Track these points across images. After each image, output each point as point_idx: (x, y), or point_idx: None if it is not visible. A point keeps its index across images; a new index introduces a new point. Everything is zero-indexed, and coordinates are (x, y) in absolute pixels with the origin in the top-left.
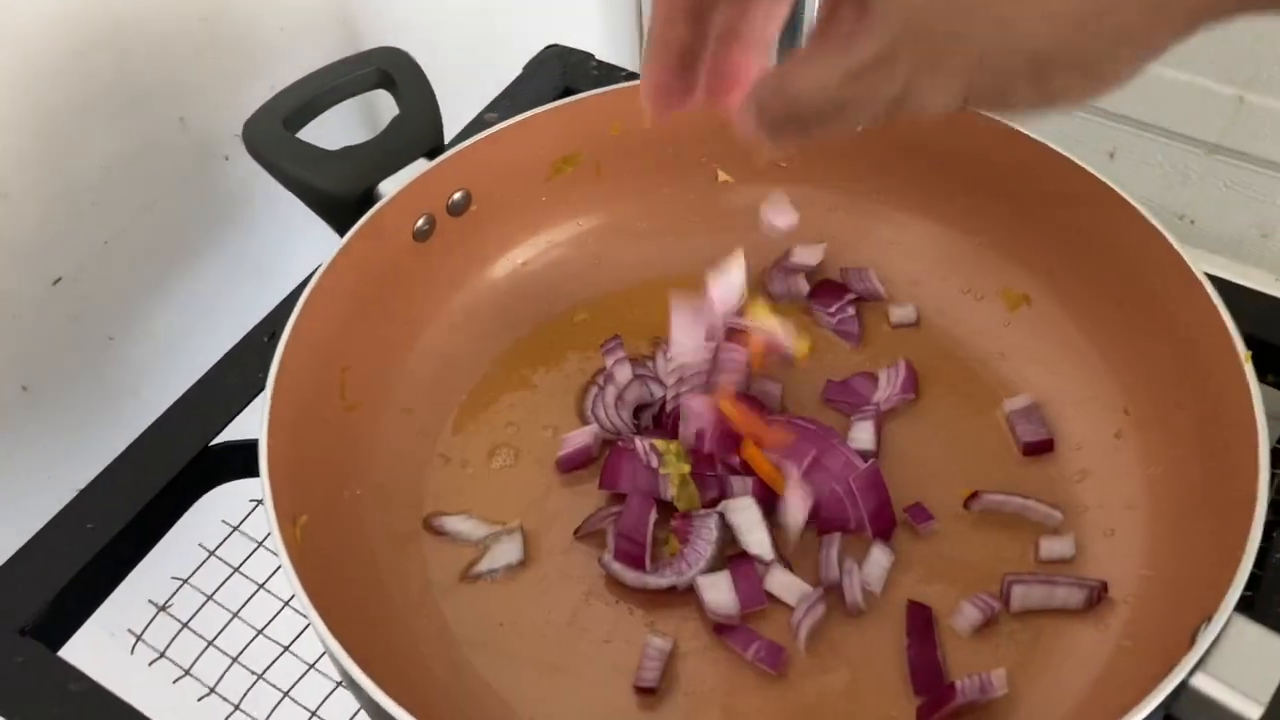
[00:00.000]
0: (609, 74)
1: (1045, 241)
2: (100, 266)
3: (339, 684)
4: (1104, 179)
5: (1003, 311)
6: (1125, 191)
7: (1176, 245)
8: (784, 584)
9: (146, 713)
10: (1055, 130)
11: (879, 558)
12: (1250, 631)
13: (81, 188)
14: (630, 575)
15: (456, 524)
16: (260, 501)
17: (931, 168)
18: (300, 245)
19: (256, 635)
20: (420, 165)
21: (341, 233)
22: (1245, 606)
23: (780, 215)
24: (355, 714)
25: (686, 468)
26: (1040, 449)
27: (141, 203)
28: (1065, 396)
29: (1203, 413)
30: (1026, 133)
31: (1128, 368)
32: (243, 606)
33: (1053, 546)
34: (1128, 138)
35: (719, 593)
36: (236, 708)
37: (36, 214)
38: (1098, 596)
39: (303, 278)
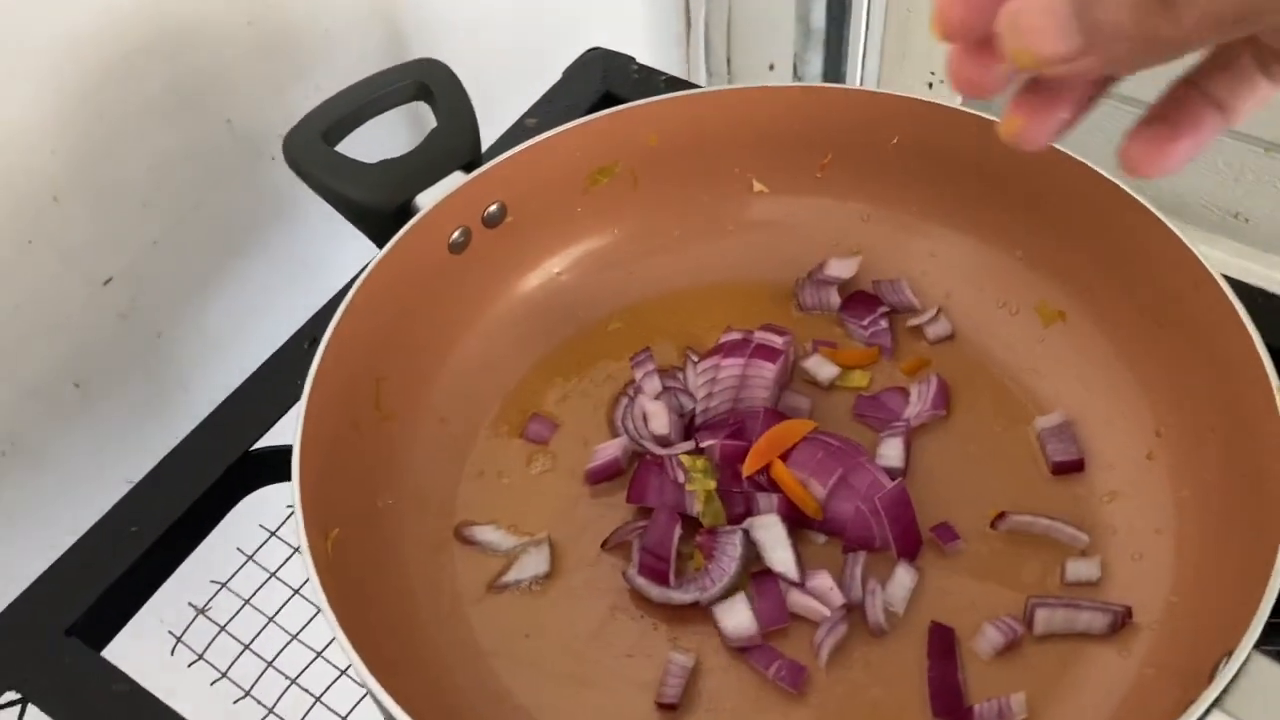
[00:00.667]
0: (649, 78)
1: (1082, 257)
2: (150, 266)
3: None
4: (1141, 199)
5: (1038, 327)
6: (1177, 189)
7: (1211, 268)
8: (806, 603)
9: (185, 713)
10: (1105, 129)
11: (903, 578)
12: (1271, 670)
13: (131, 189)
14: (654, 590)
15: (486, 534)
16: None
17: (967, 180)
18: (347, 244)
19: (291, 640)
20: (456, 178)
21: (379, 244)
22: (1273, 633)
23: (842, 266)
24: None
25: (713, 483)
26: (1070, 469)
27: (190, 203)
28: (1098, 415)
29: (1234, 438)
30: (1064, 150)
31: (1162, 388)
32: (278, 611)
33: (1079, 569)
34: None
35: (736, 618)
36: (270, 710)
37: (87, 215)
38: (1122, 622)
39: (349, 277)
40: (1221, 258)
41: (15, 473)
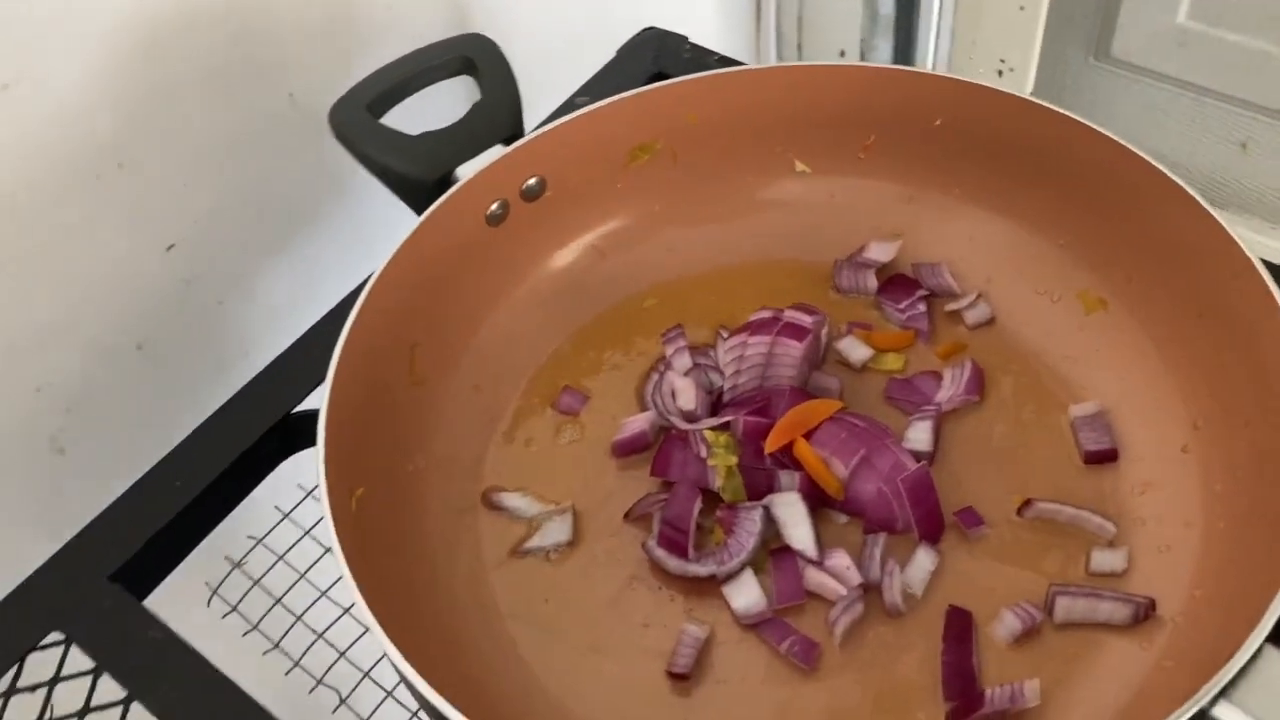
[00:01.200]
0: (700, 57)
1: (1126, 246)
2: (212, 234)
3: None
4: (1188, 188)
5: (1078, 315)
6: (1258, 183)
7: (1256, 262)
8: (824, 581)
9: (217, 662)
10: (1184, 119)
11: (923, 560)
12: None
13: (195, 159)
14: (672, 562)
15: (513, 500)
16: None
17: (1011, 164)
18: (405, 216)
19: (320, 596)
20: (496, 151)
21: (420, 214)
22: None
23: (882, 250)
24: None
25: (734, 459)
26: (1103, 458)
27: (252, 174)
28: (1134, 406)
29: (1269, 432)
30: (1109, 134)
31: (1201, 381)
32: (310, 568)
33: (1104, 559)
34: (1262, 128)
35: (745, 596)
36: (296, 664)
37: (151, 183)
38: (1144, 614)
39: None
40: None
41: (77, 431)
